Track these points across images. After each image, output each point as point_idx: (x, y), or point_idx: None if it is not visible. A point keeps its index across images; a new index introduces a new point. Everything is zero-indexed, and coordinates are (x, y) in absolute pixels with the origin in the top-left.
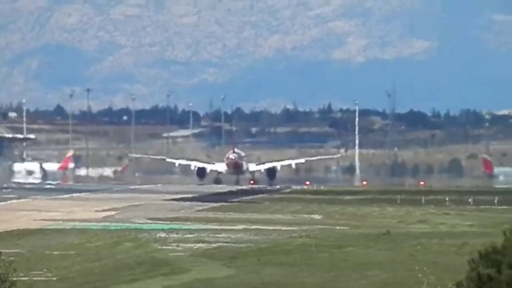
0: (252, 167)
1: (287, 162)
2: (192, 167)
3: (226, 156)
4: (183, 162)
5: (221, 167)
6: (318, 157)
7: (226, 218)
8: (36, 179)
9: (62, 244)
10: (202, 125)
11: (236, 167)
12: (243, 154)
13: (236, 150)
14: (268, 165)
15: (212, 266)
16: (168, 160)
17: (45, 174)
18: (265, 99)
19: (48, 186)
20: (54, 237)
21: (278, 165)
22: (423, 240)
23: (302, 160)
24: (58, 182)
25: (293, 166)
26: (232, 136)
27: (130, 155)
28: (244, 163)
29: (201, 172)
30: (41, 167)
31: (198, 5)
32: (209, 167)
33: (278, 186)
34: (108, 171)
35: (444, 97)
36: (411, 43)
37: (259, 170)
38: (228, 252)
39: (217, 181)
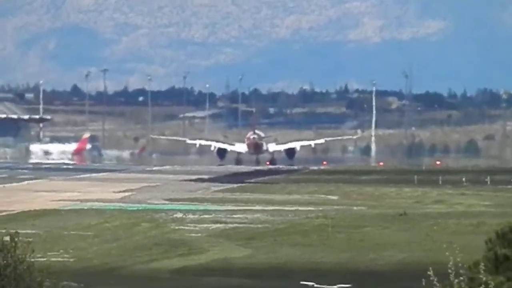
0: (272, 147)
1: (306, 142)
2: (212, 148)
3: (247, 136)
4: (203, 142)
5: (242, 147)
6: (337, 138)
7: (243, 198)
8: (52, 159)
9: (79, 225)
10: (218, 106)
11: (256, 148)
12: (263, 135)
13: (256, 131)
14: (288, 146)
15: (229, 247)
16: (188, 141)
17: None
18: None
19: (65, 167)
20: (71, 218)
21: (297, 145)
22: (440, 220)
23: (322, 141)
24: (74, 162)
25: (312, 146)
26: (252, 117)
27: (151, 136)
28: (264, 144)
29: (221, 153)
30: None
31: None
32: (229, 148)
33: (295, 167)
34: (125, 154)
35: (460, 77)
36: (428, 23)
37: (279, 151)
38: (245, 232)
39: (238, 161)
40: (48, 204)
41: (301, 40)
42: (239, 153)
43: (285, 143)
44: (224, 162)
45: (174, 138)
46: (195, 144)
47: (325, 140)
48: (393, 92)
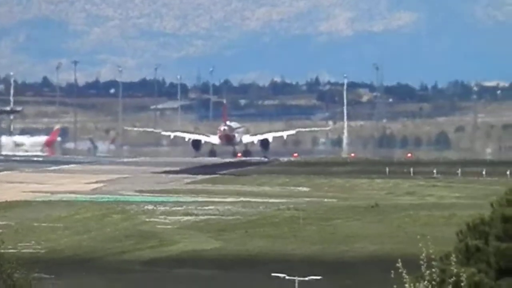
0: (246, 138)
1: (279, 133)
2: (186, 139)
3: (219, 128)
4: (178, 134)
5: (215, 139)
6: (310, 129)
7: (214, 190)
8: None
9: (50, 217)
10: (190, 98)
11: (228, 139)
12: (234, 126)
13: (228, 122)
14: (261, 137)
15: (200, 239)
16: (163, 132)
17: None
18: (253, 72)
19: (36, 159)
20: (42, 209)
21: (270, 136)
22: (412, 212)
23: (293, 132)
24: (45, 154)
25: (284, 138)
26: (222, 109)
27: (125, 128)
28: (236, 135)
29: (197, 144)
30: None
31: None
32: (203, 139)
33: (266, 159)
34: (83, 145)
35: (432, 70)
36: (399, 15)
37: (252, 142)
38: (216, 224)
39: (212, 153)
40: (19, 195)
41: (272, 32)
42: (213, 144)
43: (257, 134)
44: (199, 153)
45: (149, 129)
46: (169, 136)
47: (297, 131)
48: (365, 84)
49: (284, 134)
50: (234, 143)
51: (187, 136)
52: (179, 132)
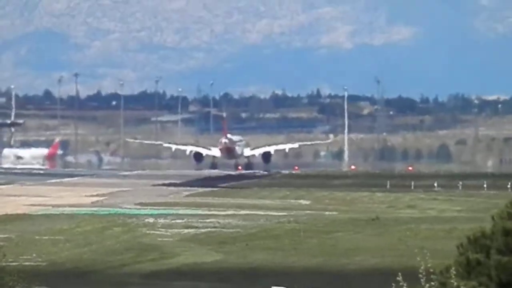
0: (247, 151)
1: (281, 146)
2: (188, 152)
3: (219, 141)
4: (180, 147)
5: (216, 152)
6: (311, 142)
7: (214, 203)
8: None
9: (51, 230)
10: (190, 111)
11: (228, 152)
12: (235, 139)
13: (228, 135)
14: (263, 150)
15: (200, 251)
16: (165, 145)
17: (100, 160)
18: (253, 85)
19: (36, 172)
20: (42, 222)
21: (272, 149)
22: (412, 225)
23: (296, 145)
24: (46, 167)
25: (286, 151)
26: (222, 122)
27: (127, 140)
28: (236, 148)
29: (198, 157)
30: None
31: None
32: (205, 152)
33: (266, 172)
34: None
35: (432, 83)
36: (399, 28)
37: (253, 155)
38: (217, 237)
39: (213, 165)
40: (20, 208)
41: (273, 45)
42: (214, 157)
43: (259, 147)
44: (201, 166)
45: (151, 142)
46: (171, 148)
47: (299, 145)
48: (365, 97)
49: (286, 147)
50: (235, 156)
51: (189, 149)
52: (180, 144)
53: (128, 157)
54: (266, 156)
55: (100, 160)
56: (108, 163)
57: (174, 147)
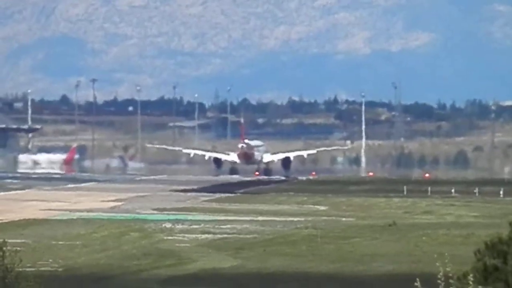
0: (267, 157)
1: (299, 152)
2: (207, 158)
3: (238, 146)
4: (199, 152)
5: (235, 157)
6: (329, 148)
7: (232, 208)
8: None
9: (68, 235)
10: (207, 116)
11: (246, 157)
12: (254, 144)
13: (246, 140)
14: (282, 156)
15: (218, 257)
16: (184, 150)
17: (125, 165)
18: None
19: (54, 176)
20: (60, 227)
21: (291, 155)
22: (429, 231)
23: (314, 151)
24: (64, 172)
25: (305, 157)
26: (240, 127)
27: (146, 145)
28: (255, 153)
29: (217, 162)
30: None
31: None
32: (223, 158)
33: (284, 177)
34: (114, 162)
35: (449, 89)
36: (417, 34)
37: (273, 161)
38: (234, 243)
39: (232, 171)
40: (37, 213)
41: (290, 51)
42: (233, 162)
43: (276, 153)
44: (220, 172)
45: (170, 148)
46: (189, 154)
47: (317, 151)
48: (383, 103)
49: (305, 153)
50: (254, 162)
51: (207, 154)
52: (199, 150)
53: (146, 162)
54: (286, 162)
55: (125, 165)
56: (136, 168)
57: (193, 152)
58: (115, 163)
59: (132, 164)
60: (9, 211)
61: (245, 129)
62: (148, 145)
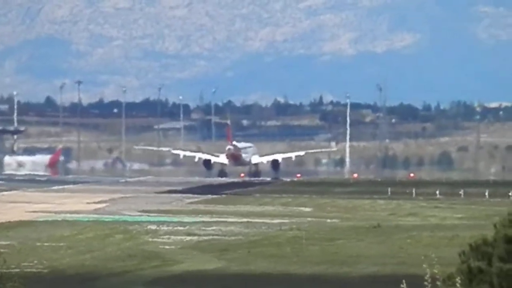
0: (255, 159)
1: (288, 154)
2: (196, 159)
3: (226, 148)
4: (188, 154)
5: (224, 159)
6: (318, 150)
7: (216, 210)
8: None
9: (53, 236)
10: (192, 118)
11: (234, 159)
12: (241, 146)
13: (234, 142)
14: (271, 158)
15: (202, 259)
16: (173, 151)
17: (124, 166)
18: (255, 92)
19: (39, 178)
20: (45, 229)
21: (279, 157)
22: (414, 233)
23: (302, 153)
24: (48, 174)
25: (293, 159)
26: (227, 129)
27: (135, 147)
28: (243, 155)
29: (207, 164)
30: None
31: None
32: (213, 159)
33: (268, 179)
34: (99, 164)
35: (434, 90)
36: (402, 35)
37: (261, 162)
38: (219, 244)
39: (222, 173)
40: (22, 215)
41: (275, 52)
42: (223, 164)
43: (267, 154)
44: (210, 174)
45: (160, 149)
46: (176, 155)
47: (306, 152)
48: (367, 105)
49: (293, 155)
50: (243, 163)
51: (197, 155)
52: (188, 151)
53: (131, 164)
54: (275, 164)
55: (124, 165)
56: (110, 170)
57: (182, 153)
58: (99, 164)
59: (129, 166)
60: None
61: (231, 131)
62: (136, 147)
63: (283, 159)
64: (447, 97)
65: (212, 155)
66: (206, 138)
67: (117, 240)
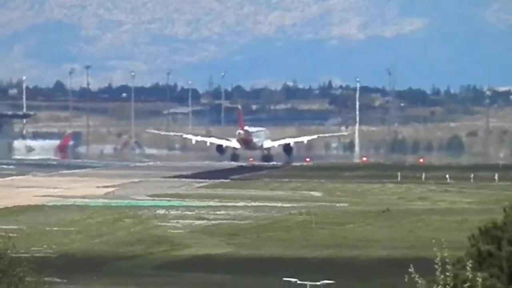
0: (267, 143)
1: (300, 139)
2: (208, 144)
3: (236, 133)
4: (200, 138)
5: (236, 143)
6: (329, 134)
7: (225, 195)
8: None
9: (62, 221)
10: (201, 103)
11: (245, 143)
12: (252, 130)
13: (245, 127)
14: (283, 142)
15: (211, 243)
16: (185, 136)
17: (143, 151)
18: (265, 77)
19: (48, 163)
20: (54, 214)
21: (291, 141)
22: (423, 216)
23: (315, 137)
24: (58, 158)
25: (305, 143)
26: (238, 114)
27: (147, 130)
28: (254, 139)
29: (220, 149)
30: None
31: None
32: (225, 144)
33: (280, 163)
34: (108, 148)
35: (444, 74)
36: (411, 20)
37: (273, 146)
38: (228, 229)
39: (234, 157)
40: (32, 200)
41: (284, 36)
42: (235, 148)
43: (279, 139)
44: (223, 158)
45: (171, 133)
46: (187, 139)
47: (318, 136)
48: (377, 89)
49: (305, 139)
50: (254, 147)
51: (209, 140)
52: (200, 136)
53: (140, 148)
54: (287, 148)
55: (143, 150)
56: (121, 154)
57: (194, 138)
58: (109, 149)
59: (148, 150)
60: (3, 197)
61: (241, 115)
62: (149, 131)
63: (294, 143)
64: (456, 81)
65: (225, 139)
66: (215, 122)
67: (127, 225)
